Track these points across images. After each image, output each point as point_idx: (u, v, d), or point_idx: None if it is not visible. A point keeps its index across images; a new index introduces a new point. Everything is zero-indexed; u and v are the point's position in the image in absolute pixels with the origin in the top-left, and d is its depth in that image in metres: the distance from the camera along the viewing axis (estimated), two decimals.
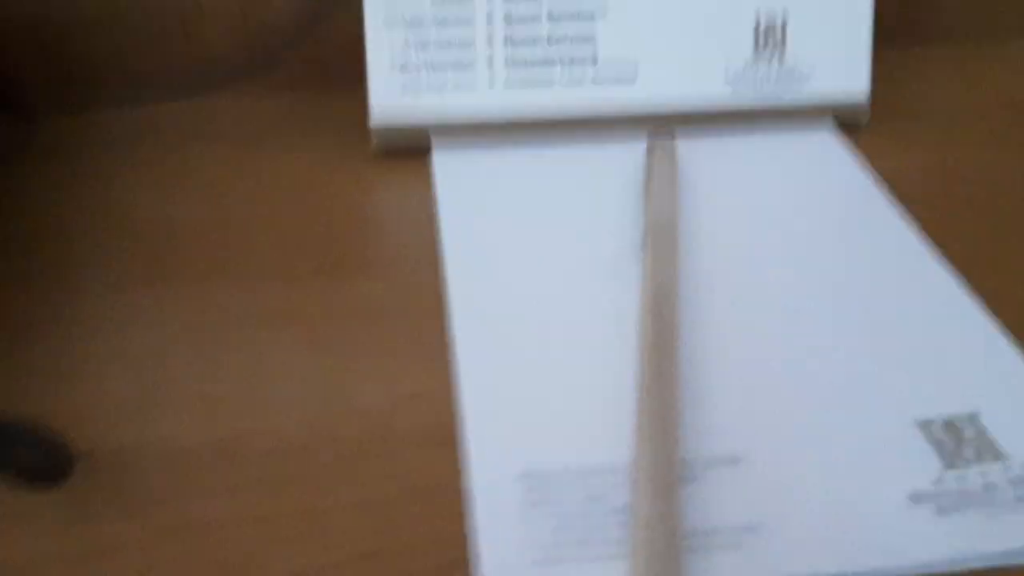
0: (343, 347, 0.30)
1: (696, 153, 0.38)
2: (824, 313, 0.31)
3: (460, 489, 0.26)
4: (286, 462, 0.27)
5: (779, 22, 0.39)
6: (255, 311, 0.32)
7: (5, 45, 0.41)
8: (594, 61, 0.39)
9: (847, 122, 0.40)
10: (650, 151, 0.37)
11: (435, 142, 0.39)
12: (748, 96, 0.40)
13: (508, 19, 0.38)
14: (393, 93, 0.38)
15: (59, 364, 0.30)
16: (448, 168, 0.38)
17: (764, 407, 0.28)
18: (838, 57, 0.40)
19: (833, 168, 0.38)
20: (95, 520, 0.25)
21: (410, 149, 0.39)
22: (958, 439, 0.26)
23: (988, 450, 0.26)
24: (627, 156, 0.38)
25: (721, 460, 0.26)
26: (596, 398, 0.28)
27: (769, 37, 0.39)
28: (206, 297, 0.32)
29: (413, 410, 0.28)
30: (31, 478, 0.24)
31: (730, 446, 0.26)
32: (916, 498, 0.25)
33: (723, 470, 0.26)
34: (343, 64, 0.43)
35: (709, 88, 0.39)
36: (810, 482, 0.25)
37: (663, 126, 0.39)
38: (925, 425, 0.27)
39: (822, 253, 0.33)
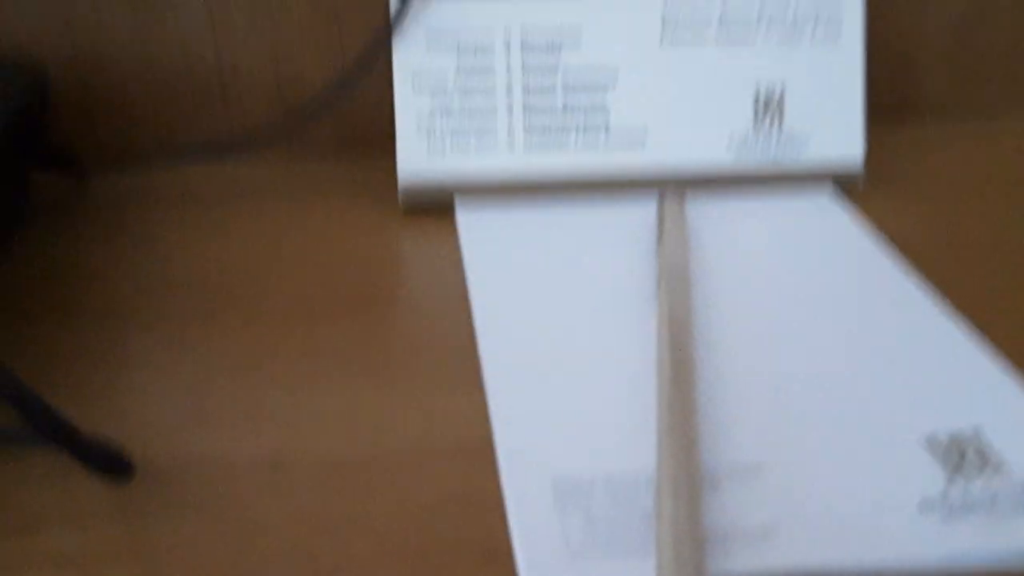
0: (379, 374, 0.32)
1: (703, 213, 0.41)
2: (833, 343, 0.33)
3: (494, 495, 0.27)
4: (330, 472, 0.28)
5: (777, 92, 0.42)
6: (295, 346, 0.33)
7: (60, 114, 0.44)
8: (606, 127, 0.42)
9: (844, 185, 0.43)
10: (661, 204, 0.40)
11: (459, 200, 0.41)
12: (750, 160, 0.42)
13: (526, 89, 0.41)
14: (420, 155, 0.41)
15: (115, 389, 0.31)
16: (471, 223, 0.40)
17: (781, 423, 0.29)
18: (833, 123, 0.42)
19: (832, 224, 0.40)
20: (153, 520, 0.26)
21: (436, 207, 0.41)
22: (962, 452, 0.28)
23: (990, 462, 0.28)
24: (638, 213, 0.41)
25: (742, 468, 0.28)
26: (618, 413, 0.30)
27: (768, 106, 0.42)
28: (248, 333, 0.34)
29: (447, 427, 0.30)
30: (98, 468, 0.26)
31: (750, 456, 0.28)
32: (924, 506, 0.27)
33: (744, 476, 0.27)
34: (372, 129, 0.47)
35: (714, 153, 0.42)
36: (825, 490, 0.27)
37: (671, 187, 0.42)
38: (931, 439, 0.29)
39: (827, 294, 0.36)
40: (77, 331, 0.34)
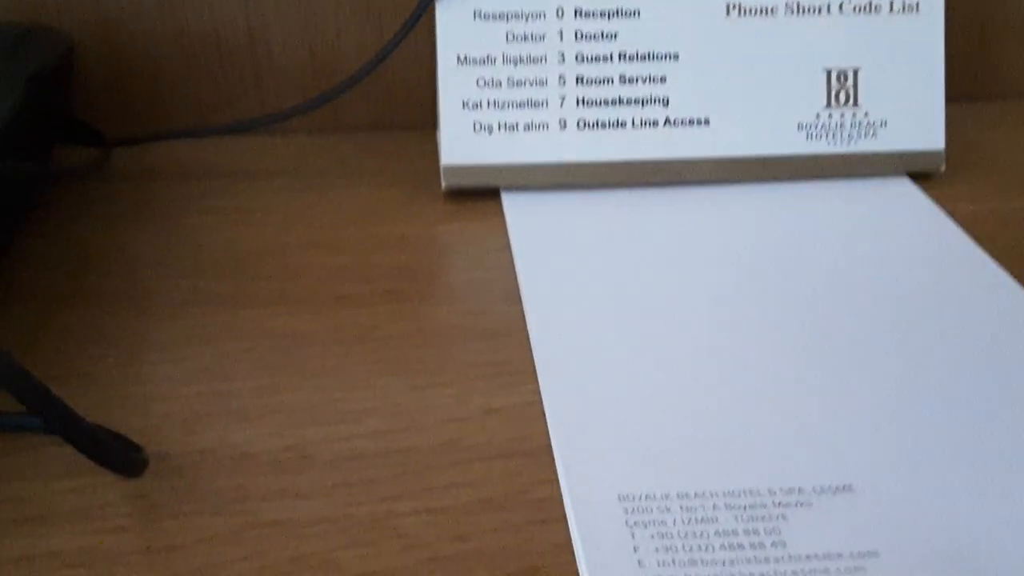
0: (415, 365, 0.29)
1: (772, 199, 0.38)
2: (925, 343, 0.30)
3: (532, 502, 0.24)
4: (357, 469, 0.25)
5: (851, 71, 0.39)
6: (324, 331, 0.31)
7: (80, 81, 0.42)
8: (666, 103, 0.39)
9: (921, 170, 0.40)
10: None
11: (506, 181, 0.39)
12: (822, 144, 0.39)
13: (580, 58, 0.38)
14: (465, 132, 0.38)
15: (131, 375, 0.29)
16: (519, 207, 0.38)
17: (875, 437, 0.26)
18: (912, 106, 0.39)
19: (912, 212, 0.37)
20: (167, 517, 0.24)
21: (481, 187, 0.39)
22: None
23: None
24: (699, 199, 0.38)
25: (833, 488, 0.24)
26: (684, 424, 0.27)
27: (842, 86, 0.39)
28: (274, 318, 0.31)
29: (485, 426, 0.27)
30: (108, 464, 0.23)
31: (842, 474, 0.25)
32: None
33: (836, 497, 0.24)
34: (411, 104, 0.44)
35: (783, 134, 0.39)
36: (929, 511, 0.24)
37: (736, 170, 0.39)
38: None
39: (913, 287, 0.32)
40: (94, 314, 0.32)
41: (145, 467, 0.25)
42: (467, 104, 0.38)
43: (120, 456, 0.24)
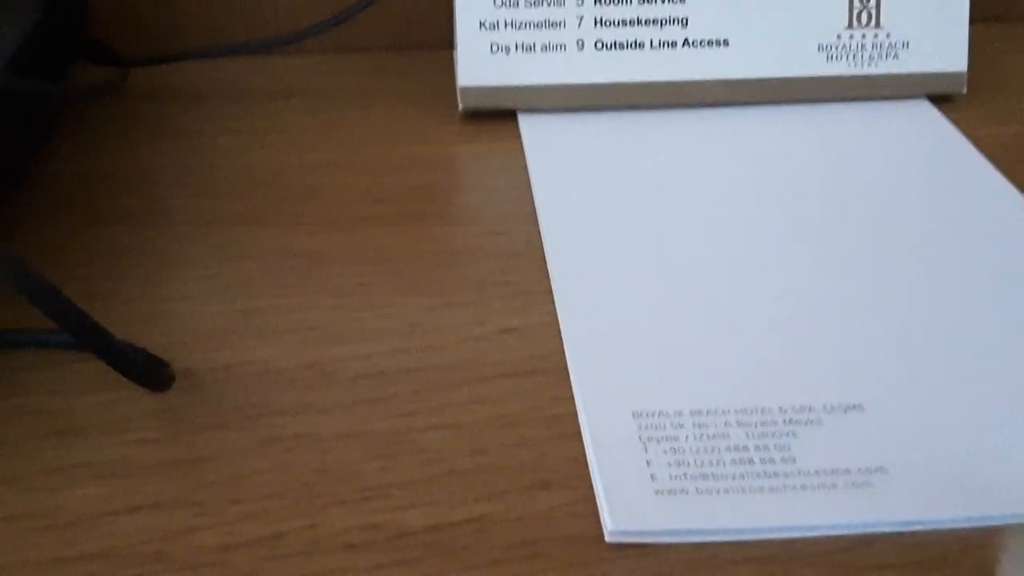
0: (432, 285, 0.30)
1: (791, 121, 0.38)
2: (941, 269, 0.30)
3: (548, 418, 0.25)
4: (377, 387, 0.26)
5: None
6: (343, 251, 0.31)
7: (95, 1, 0.42)
8: (685, 24, 0.38)
9: (942, 93, 0.39)
10: None
11: (523, 103, 0.38)
12: (842, 65, 0.39)
13: None
14: (482, 53, 0.38)
15: (154, 293, 0.29)
16: (537, 130, 0.38)
17: (887, 357, 0.26)
18: (935, 27, 0.39)
19: (931, 135, 0.37)
20: (193, 431, 0.25)
21: (498, 109, 0.38)
22: None
23: None
24: (719, 123, 0.38)
25: (843, 407, 0.25)
26: (698, 343, 0.27)
27: (864, 6, 0.38)
28: (294, 237, 0.32)
29: (503, 345, 0.27)
30: (135, 378, 0.24)
31: (853, 394, 0.25)
32: None
33: (846, 415, 0.25)
34: (427, 23, 0.44)
35: (802, 56, 0.39)
36: (938, 430, 0.24)
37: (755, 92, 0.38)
38: None
39: (930, 212, 0.32)
40: (116, 233, 0.32)
41: (172, 382, 0.26)
42: (484, 24, 0.38)
43: (148, 371, 0.25)
